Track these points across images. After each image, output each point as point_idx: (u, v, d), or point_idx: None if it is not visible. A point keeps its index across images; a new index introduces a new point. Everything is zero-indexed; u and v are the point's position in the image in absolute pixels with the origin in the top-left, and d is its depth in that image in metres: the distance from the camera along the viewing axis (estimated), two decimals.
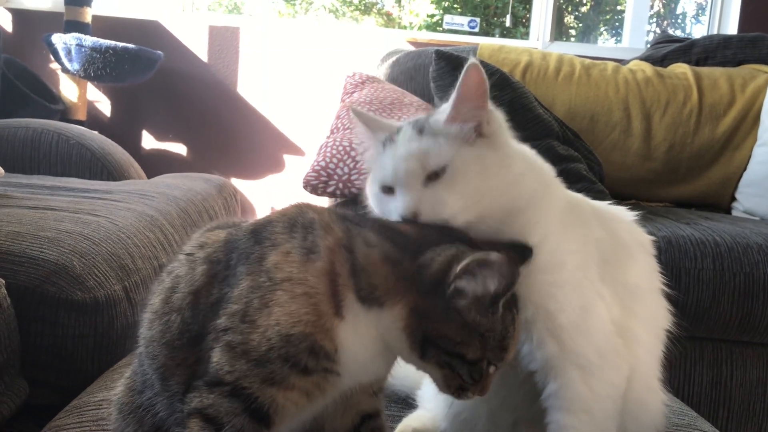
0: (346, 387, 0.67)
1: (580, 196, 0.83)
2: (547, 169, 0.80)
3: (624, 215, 0.85)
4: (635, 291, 0.78)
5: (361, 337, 0.63)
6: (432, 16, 4.22)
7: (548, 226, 0.74)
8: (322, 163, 1.91)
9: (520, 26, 4.18)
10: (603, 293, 0.74)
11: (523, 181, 0.73)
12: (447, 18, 3.60)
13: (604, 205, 0.85)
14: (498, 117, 0.75)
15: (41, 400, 1.11)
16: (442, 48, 2.12)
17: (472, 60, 0.70)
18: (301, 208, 0.68)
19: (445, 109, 0.73)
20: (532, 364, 0.73)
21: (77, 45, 2.72)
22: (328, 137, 2.13)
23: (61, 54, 2.76)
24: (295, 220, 0.66)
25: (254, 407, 0.61)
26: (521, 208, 0.72)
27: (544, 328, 0.72)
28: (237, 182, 3.29)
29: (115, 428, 0.75)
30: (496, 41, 3.51)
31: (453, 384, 0.65)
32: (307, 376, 0.62)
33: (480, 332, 0.62)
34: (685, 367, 1.66)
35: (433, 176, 0.70)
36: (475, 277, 0.61)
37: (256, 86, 3.28)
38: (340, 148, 1.94)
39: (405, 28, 4.11)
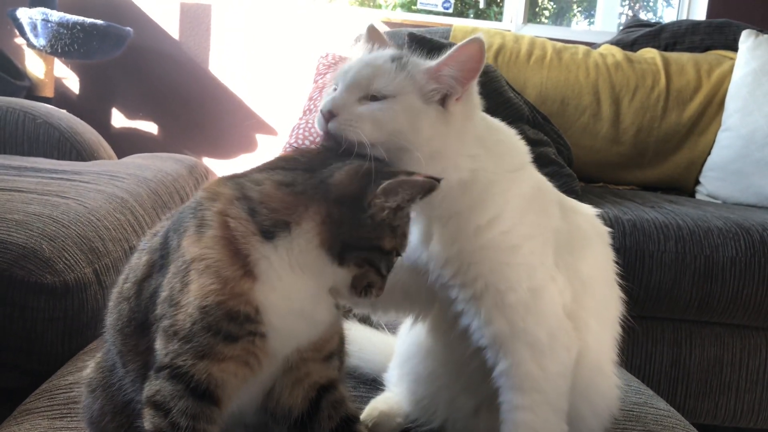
0: (283, 349, 0.67)
1: (549, 185, 0.85)
2: (520, 154, 0.82)
3: (586, 209, 0.87)
4: (588, 280, 0.81)
5: (282, 288, 0.65)
6: None
7: (504, 208, 0.75)
8: (295, 145, 1.91)
9: (494, 6, 4.18)
10: (556, 278, 0.77)
11: (463, 161, 0.75)
12: None
13: (569, 199, 0.87)
14: (473, 104, 0.77)
15: (11, 383, 1.11)
16: (415, 30, 2.12)
17: (479, 35, 0.72)
18: (197, 194, 0.70)
19: (431, 62, 0.75)
20: (482, 340, 0.75)
21: (43, 20, 2.65)
22: (301, 118, 2.12)
23: (27, 29, 2.69)
24: (192, 204, 0.69)
25: (193, 385, 0.62)
26: (464, 184, 0.75)
27: (492, 306, 0.74)
28: (209, 162, 3.26)
29: (86, 405, 0.77)
30: (470, 23, 3.51)
31: (361, 284, 0.68)
32: (234, 344, 0.63)
33: (391, 226, 0.67)
34: (646, 346, 1.72)
35: (372, 99, 0.72)
36: (397, 194, 0.66)
37: (228, 64, 3.24)
38: (313, 129, 1.94)
39: (379, 7, 4.09)
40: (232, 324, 0.62)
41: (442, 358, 0.86)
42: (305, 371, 0.71)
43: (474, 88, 0.76)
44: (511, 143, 0.82)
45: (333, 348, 0.74)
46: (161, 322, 0.65)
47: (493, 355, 0.75)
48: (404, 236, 0.70)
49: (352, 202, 0.66)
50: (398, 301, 0.83)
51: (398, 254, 0.70)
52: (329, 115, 0.72)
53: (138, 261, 0.72)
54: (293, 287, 0.65)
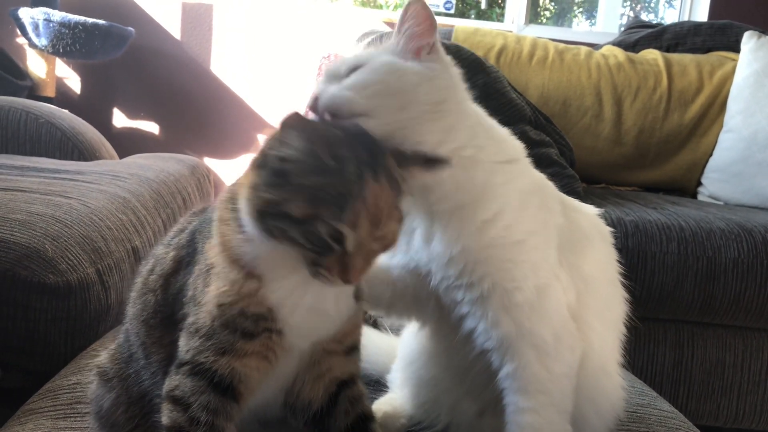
0: (301, 343, 0.68)
1: (550, 183, 0.84)
2: (515, 146, 0.81)
3: (588, 209, 0.87)
4: (591, 280, 0.80)
5: (288, 285, 0.64)
6: None
7: (506, 202, 0.75)
8: None
9: (496, 7, 4.18)
10: (560, 276, 0.76)
11: (465, 132, 0.75)
12: None
13: (570, 199, 0.87)
14: (447, 63, 0.77)
15: (13, 383, 1.11)
16: None
17: None
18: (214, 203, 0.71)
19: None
20: (488, 342, 0.74)
21: (45, 20, 2.65)
22: None
23: (29, 29, 2.69)
24: (212, 208, 0.70)
25: (216, 381, 0.63)
26: (469, 165, 0.74)
27: (500, 306, 0.73)
28: (210, 162, 3.26)
29: (96, 396, 0.77)
30: (471, 23, 3.51)
31: (307, 260, 0.61)
32: (253, 340, 0.64)
33: (304, 186, 0.58)
34: (648, 347, 1.72)
35: (350, 73, 0.73)
36: (282, 144, 0.59)
37: (230, 64, 3.24)
38: None
39: (381, 7, 4.09)
40: (248, 322, 0.63)
41: (445, 362, 0.85)
42: (327, 366, 0.71)
43: (442, 53, 0.77)
44: (505, 134, 0.82)
45: (355, 340, 0.73)
46: (186, 319, 0.66)
47: (499, 358, 0.74)
48: (341, 208, 0.57)
49: (264, 160, 0.60)
50: (409, 306, 0.83)
51: (338, 232, 0.57)
52: (314, 102, 0.72)
53: (165, 255, 0.73)
54: (295, 281, 0.64)
